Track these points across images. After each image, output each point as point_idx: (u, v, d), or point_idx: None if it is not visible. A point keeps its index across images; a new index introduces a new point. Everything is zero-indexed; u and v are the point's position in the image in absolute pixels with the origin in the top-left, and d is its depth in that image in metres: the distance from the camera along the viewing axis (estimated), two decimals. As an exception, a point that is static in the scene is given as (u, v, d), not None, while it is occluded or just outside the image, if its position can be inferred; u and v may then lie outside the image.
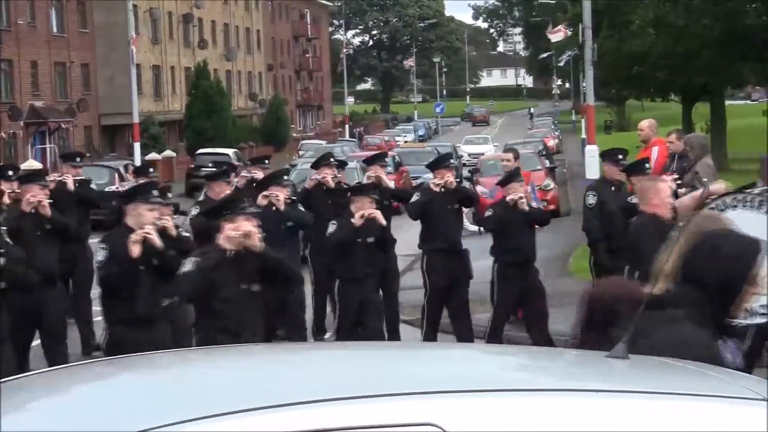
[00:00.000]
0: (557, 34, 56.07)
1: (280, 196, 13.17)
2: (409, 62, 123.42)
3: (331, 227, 12.67)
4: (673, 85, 50.58)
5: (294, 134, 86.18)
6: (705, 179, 13.45)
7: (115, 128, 64.01)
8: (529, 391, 3.78)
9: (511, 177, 13.37)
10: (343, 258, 12.67)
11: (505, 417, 3.58)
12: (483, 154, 47.95)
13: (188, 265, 8.85)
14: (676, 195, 12.38)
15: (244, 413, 3.41)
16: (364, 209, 12.45)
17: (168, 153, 57.80)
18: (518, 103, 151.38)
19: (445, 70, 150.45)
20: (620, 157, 13.67)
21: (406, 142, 73.41)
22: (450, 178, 13.60)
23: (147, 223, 9.59)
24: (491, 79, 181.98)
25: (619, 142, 17.96)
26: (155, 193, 9.99)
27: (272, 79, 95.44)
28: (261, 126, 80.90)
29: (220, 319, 8.76)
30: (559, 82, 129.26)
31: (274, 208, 13.05)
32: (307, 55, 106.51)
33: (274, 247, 12.37)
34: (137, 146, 43.85)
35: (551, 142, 62.76)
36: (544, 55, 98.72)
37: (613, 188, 13.54)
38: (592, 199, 13.50)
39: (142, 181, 13.01)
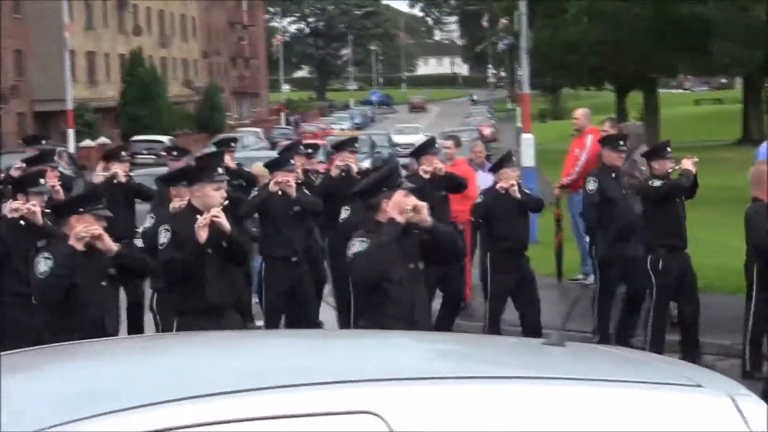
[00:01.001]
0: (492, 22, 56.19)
1: (292, 182, 12.25)
2: (345, 50, 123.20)
3: (344, 213, 11.95)
4: (607, 73, 50.95)
5: (230, 122, 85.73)
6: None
7: (48, 115, 63.32)
8: (468, 378, 3.81)
9: (503, 162, 12.92)
10: None
11: (444, 404, 3.61)
12: (413, 144, 47.45)
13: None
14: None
15: (177, 402, 3.41)
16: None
17: (102, 140, 57.26)
18: (454, 92, 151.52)
19: (381, 58, 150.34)
20: (621, 143, 13.29)
21: (342, 130, 73.32)
22: (439, 164, 13.07)
23: (214, 205, 8.93)
24: (427, 67, 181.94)
25: (554, 130, 18.07)
26: (220, 171, 9.44)
27: (208, 66, 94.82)
28: (196, 113, 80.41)
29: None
30: (495, 71, 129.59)
31: (280, 192, 12.20)
32: (243, 43, 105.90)
33: (284, 233, 11.98)
34: (71, 133, 43.39)
35: (487, 131, 62.92)
36: (481, 45, 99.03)
37: (613, 175, 13.12)
38: (592, 185, 13.11)
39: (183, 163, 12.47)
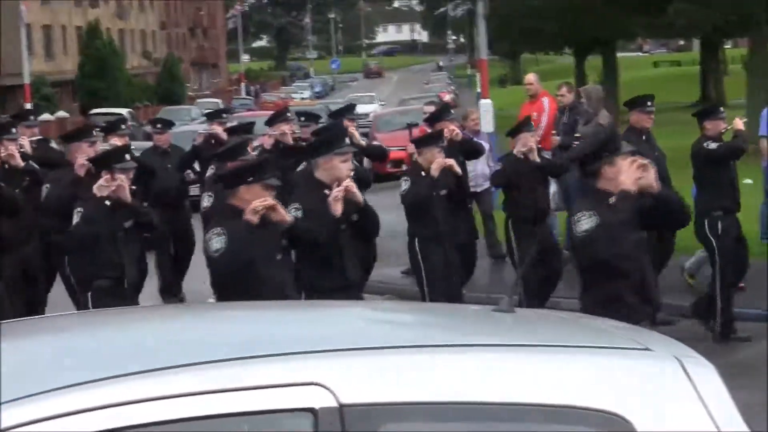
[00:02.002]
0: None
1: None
2: (304, 19, 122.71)
3: (404, 184, 11.56)
4: (566, 37, 50.99)
5: (190, 93, 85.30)
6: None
7: (5, 89, 62.82)
8: (415, 347, 3.80)
9: (520, 127, 12.51)
10: (421, 216, 11.60)
11: (391, 374, 3.60)
12: (368, 114, 46.84)
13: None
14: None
15: (122, 378, 3.40)
16: (434, 159, 11.39)
17: (61, 114, 56.88)
18: (414, 59, 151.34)
19: (341, 26, 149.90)
20: (649, 104, 12.96)
21: (302, 99, 73.10)
22: (456, 129, 12.68)
23: (343, 177, 8.59)
24: (387, 34, 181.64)
25: (514, 95, 18.15)
26: (348, 141, 9.18)
27: (166, 38, 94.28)
28: (156, 85, 79.98)
29: None
30: (454, 37, 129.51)
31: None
32: (201, 13, 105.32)
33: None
34: (29, 107, 43.13)
35: (447, 97, 62.93)
36: (440, 10, 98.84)
37: (644, 137, 12.63)
38: (627, 149, 12.97)
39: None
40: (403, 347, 3.79)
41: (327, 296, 8.05)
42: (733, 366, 10.57)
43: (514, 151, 12.17)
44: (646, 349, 3.97)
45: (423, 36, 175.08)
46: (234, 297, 7.32)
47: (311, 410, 3.42)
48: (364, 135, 23.96)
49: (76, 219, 9.43)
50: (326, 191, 8.55)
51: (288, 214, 8.12)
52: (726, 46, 70.29)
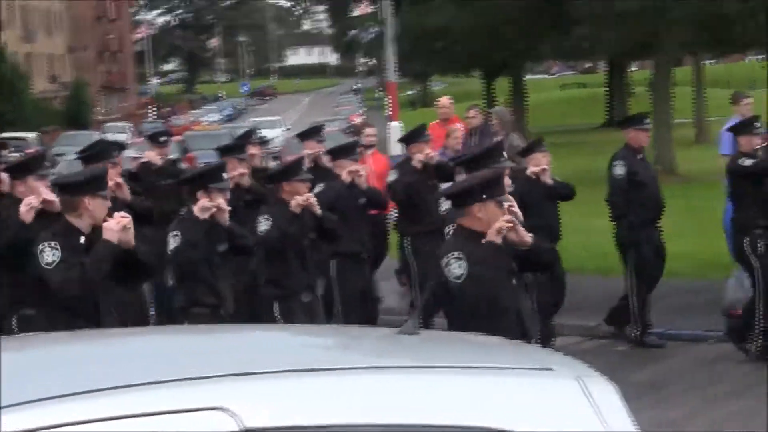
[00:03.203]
0: (360, 10, 56.35)
1: (362, 171, 11.42)
2: (214, 42, 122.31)
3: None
4: (475, 60, 51.37)
5: (98, 117, 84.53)
6: (518, 143, 13.67)
7: None
8: (320, 370, 3.81)
9: (533, 146, 12.17)
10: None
11: (296, 397, 3.61)
12: (272, 138, 45.81)
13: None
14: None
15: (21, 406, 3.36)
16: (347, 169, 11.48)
17: (-34, 138, 56.13)
18: (324, 81, 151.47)
19: (252, 48, 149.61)
20: (646, 121, 12.70)
21: (211, 122, 72.76)
22: (431, 152, 12.36)
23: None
24: (297, 57, 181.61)
25: (425, 117, 18.27)
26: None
27: (74, 61, 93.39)
28: (63, 109, 79.16)
29: None
30: (364, 59, 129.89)
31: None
32: (110, 36, 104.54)
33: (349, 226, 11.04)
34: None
35: (357, 120, 63.11)
36: (350, 33, 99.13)
37: (639, 156, 12.42)
38: (620, 170, 12.20)
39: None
40: (307, 370, 3.80)
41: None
42: (644, 384, 10.78)
43: (528, 172, 11.68)
44: (548, 368, 4.01)
45: (333, 59, 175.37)
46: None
47: (214, 436, 3.42)
48: (275, 158, 23.69)
49: (174, 243, 8.98)
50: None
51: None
52: (631, 68, 71.27)
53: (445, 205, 10.89)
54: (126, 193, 10.39)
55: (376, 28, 64.10)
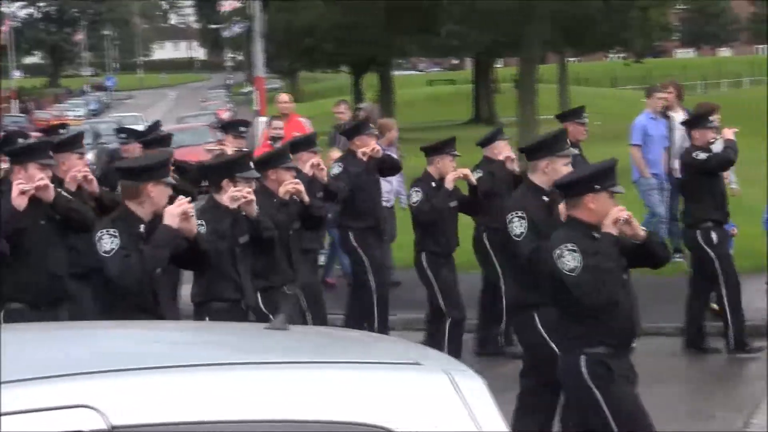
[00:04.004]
0: (228, 5, 56.01)
1: (323, 164, 11.17)
2: (79, 35, 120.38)
3: (416, 195, 11.05)
4: (343, 56, 51.51)
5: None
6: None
7: None
8: (187, 367, 3.78)
9: (495, 135, 11.98)
10: (433, 229, 11.12)
11: (162, 394, 3.58)
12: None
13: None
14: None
15: None
16: (447, 169, 11.02)
17: None
18: (192, 76, 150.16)
19: (117, 43, 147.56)
20: (584, 115, 12.55)
21: (77, 117, 71.61)
22: (377, 147, 12.10)
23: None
24: (164, 51, 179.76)
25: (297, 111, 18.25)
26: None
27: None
28: None
29: None
30: (232, 54, 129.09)
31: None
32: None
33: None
34: None
35: (225, 115, 62.71)
36: (215, 26, 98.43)
37: (578, 150, 12.05)
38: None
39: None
40: (175, 367, 3.77)
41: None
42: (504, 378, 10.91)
43: (502, 157, 11.53)
44: (416, 363, 4.04)
45: (200, 53, 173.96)
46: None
47: (80, 434, 3.37)
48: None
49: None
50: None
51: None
52: (497, 65, 72.07)
53: (415, 196, 11.00)
54: (95, 187, 9.67)
55: (244, 23, 63.79)
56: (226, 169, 8.72)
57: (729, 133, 11.78)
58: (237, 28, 69.46)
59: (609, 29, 42.01)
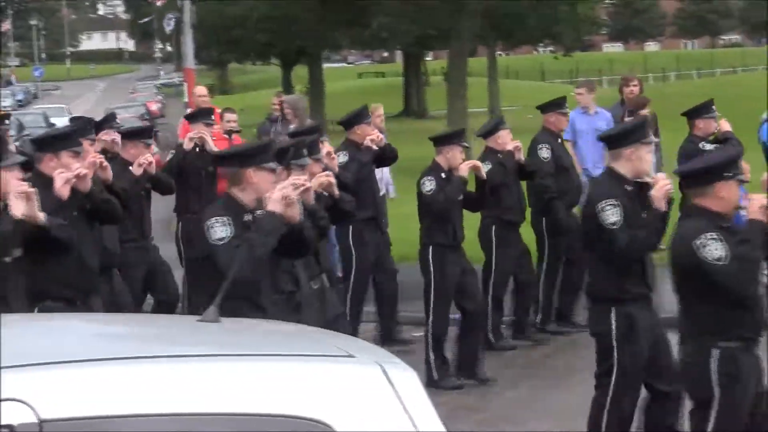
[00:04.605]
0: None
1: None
2: (5, 25, 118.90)
3: (429, 184, 10.64)
4: (273, 48, 51.37)
5: None
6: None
7: None
8: (118, 360, 3.75)
9: (498, 125, 11.77)
10: (442, 221, 10.72)
11: (93, 387, 3.55)
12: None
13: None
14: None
15: None
16: (456, 160, 10.69)
17: None
18: (120, 67, 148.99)
19: (44, 33, 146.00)
20: (566, 106, 12.49)
21: (4, 108, 70.75)
22: (380, 135, 11.85)
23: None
24: (92, 42, 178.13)
25: (221, 104, 18.13)
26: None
27: None
28: None
29: None
30: (161, 45, 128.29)
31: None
32: None
33: None
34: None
35: (154, 107, 62.33)
36: (146, 19, 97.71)
37: (559, 141, 12.20)
38: (546, 153, 11.85)
39: None
40: (106, 360, 3.74)
41: None
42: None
43: (510, 147, 11.40)
44: (349, 355, 4.04)
45: (129, 44, 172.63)
46: None
47: (9, 427, 3.34)
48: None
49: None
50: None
51: None
52: (427, 59, 72.28)
53: (429, 185, 10.55)
54: (108, 175, 9.39)
55: (174, 14, 63.45)
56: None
57: (726, 125, 11.71)
58: (166, 19, 69.07)
59: (538, 23, 42.29)
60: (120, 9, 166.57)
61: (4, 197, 7.09)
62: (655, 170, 14.13)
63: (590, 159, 14.63)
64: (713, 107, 11.99)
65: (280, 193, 7.16)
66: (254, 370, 3.79)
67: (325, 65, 60.77)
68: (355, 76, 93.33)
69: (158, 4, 56.31)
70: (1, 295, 6.84)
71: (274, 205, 7.14)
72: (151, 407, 3.54)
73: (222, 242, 7.08)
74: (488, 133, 11.73)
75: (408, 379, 3.93)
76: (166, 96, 78.06)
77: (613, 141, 8.01)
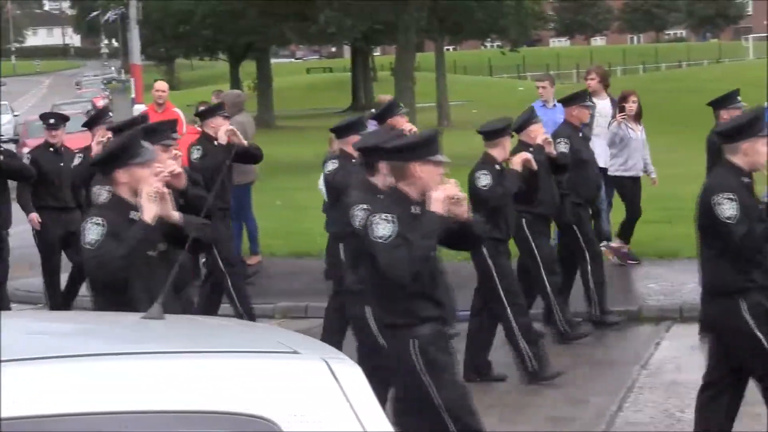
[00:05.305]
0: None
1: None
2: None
3: (485, 178, 10.26)
4: (220, 43, 51.19)
5: None
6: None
7: None
8: (58, 358, 3.71)
9: (529, 119, 11.38)
10: (497, 215, 10.33)
11: (32, 386, 3.51)
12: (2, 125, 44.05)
13: None
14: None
15: None
16: (506, 152, 10.48)
17: None
18: (66, 63, 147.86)
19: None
20: (589, 99, 12.34)
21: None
22: (413, 127, 11.26)
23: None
24: (37, 38, 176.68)
25: (172, 100, 18.08)
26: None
27: None
28: None
29: None
30: (108, 41, 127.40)
31: None
32: None
33: None
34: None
35: (101, 102, 61.88)
36: (92, 14, 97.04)
37: (580, 135, 11.97)
38: (564, 147, 11.65)
39: None
40: (46, 358, 3.70)
41: None
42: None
43: (541, 140, 11.09)
44: (294, 351, 4.04)
45: (75, 40, 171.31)
46: None
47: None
48: (14, 141, 22.89)
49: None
50: None
51: None
52: (375, 54, 72.28)
53: (484, 180, 10.22)
54: (182, 182, 8.68)
55: (120, 9, 62.98)
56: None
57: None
58: (112, 15, 68.61)
59: (485, 17, 42.39)
60: (66, 4, 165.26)
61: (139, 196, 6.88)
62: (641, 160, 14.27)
63: None
64: (738, 98, 11.94)
65: (445, 192, 7.03)
66: (197, 367, 3.77)
67: (273, 61, 60.63)
68: (303, 71, 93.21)
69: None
70: (149, 287, 6.71)
71: (436, 205, 7.00)
72: (90, 406, 3.50)
73: (383, 241, 6.92)
74: (521, 126, 11.43)
75: (353, 375, 3.93)
76: (113, 92, 77.61)
77: (731, 135, 7.92)
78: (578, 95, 12.42)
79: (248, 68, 58.70)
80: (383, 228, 6.90)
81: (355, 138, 10.18)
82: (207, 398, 3.63)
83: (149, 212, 6.77)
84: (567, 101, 12.37)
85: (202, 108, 13.02)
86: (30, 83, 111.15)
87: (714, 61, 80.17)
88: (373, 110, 14.18)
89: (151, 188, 6.84)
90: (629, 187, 14.45)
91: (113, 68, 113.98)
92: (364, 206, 7.93)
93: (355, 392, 3.84)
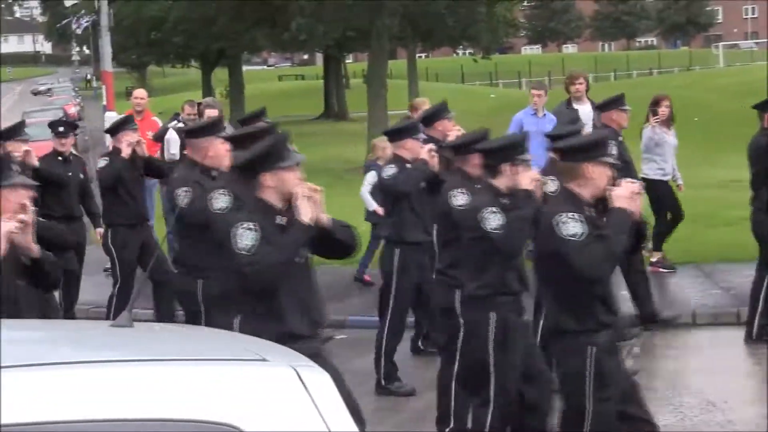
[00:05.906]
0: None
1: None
2: None
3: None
4: (192, 50, 51.10)
5: None
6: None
7: None
8: (27, 366, 3.69)
9: (440, 112, 11.01)
10: None
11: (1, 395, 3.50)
12: None
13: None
14: None
15: None
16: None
17: None
18: (38, 70, 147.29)
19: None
20: (626, 103, 12.15)
21: None
22: (461, 130, 10.78)
23: None
24: (8, 45, 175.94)
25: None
26: None
27: None
28: None
29: None
30: (79, 48, 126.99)
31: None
32: None
33: None
34: None
35: (72, 110, 61.64)
36: (63, 22, 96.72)
37: (620, 139, 11.80)
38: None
39: None
40: (15, 366, 3.67)
41: None
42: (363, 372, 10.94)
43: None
44: (262, 359, 4.03)
45: (46, 47, 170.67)
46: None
47: None
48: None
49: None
50: None
51: None
52: (347, 61, 72.30)
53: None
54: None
55: (91, 17, 62.82)
56: (504, 152, 8.09)
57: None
58: (83, 22, 68.36)
59: (456, 24, 42.47)
60: (37, 11, 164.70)
61: (288, 198, 6.78)
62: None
63: (536, 161, 14.62)
64: (625, 101, 12.04)
65: (624, 190, 7.06)
66: (165, 374, 3.76)
67: (245, 68, 60.57)
68: (275, 78, 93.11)
69: (70, 2, 55.61)
70: (298, 295, 6.71)
71: (621, 201, 7.01)
72: (57, 414, 3.49)
73: (575, 239, 6.90)
74: (428, 119, 11.12)
75: (321, 382, 3.93)
76: (85, 99, 77.36)
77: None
78: (615, 100, 12.32)
79: (220, 75, 58.60)
80: (573, 226, 6.88)
81: (409, 142, 10.21)
82: (173, 405, 3.61)
83: (307, 214, 6.66)
84: (604, 106, 12.30)
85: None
86: (2, 91, 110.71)
87: (684, 68, 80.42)
88: (407, 112, 14.00)
89: (306, 190, 6.71)
90: (667, 191, 14.39)
91: (87, 74, 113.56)
92: (493, 209, 7.84)
93: (324, 400, 3.84)
